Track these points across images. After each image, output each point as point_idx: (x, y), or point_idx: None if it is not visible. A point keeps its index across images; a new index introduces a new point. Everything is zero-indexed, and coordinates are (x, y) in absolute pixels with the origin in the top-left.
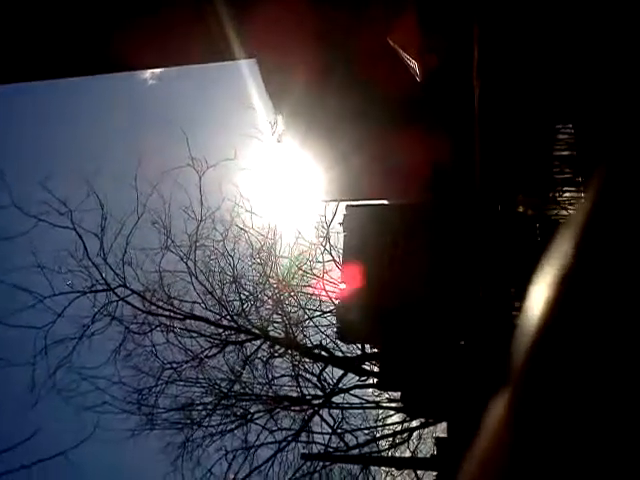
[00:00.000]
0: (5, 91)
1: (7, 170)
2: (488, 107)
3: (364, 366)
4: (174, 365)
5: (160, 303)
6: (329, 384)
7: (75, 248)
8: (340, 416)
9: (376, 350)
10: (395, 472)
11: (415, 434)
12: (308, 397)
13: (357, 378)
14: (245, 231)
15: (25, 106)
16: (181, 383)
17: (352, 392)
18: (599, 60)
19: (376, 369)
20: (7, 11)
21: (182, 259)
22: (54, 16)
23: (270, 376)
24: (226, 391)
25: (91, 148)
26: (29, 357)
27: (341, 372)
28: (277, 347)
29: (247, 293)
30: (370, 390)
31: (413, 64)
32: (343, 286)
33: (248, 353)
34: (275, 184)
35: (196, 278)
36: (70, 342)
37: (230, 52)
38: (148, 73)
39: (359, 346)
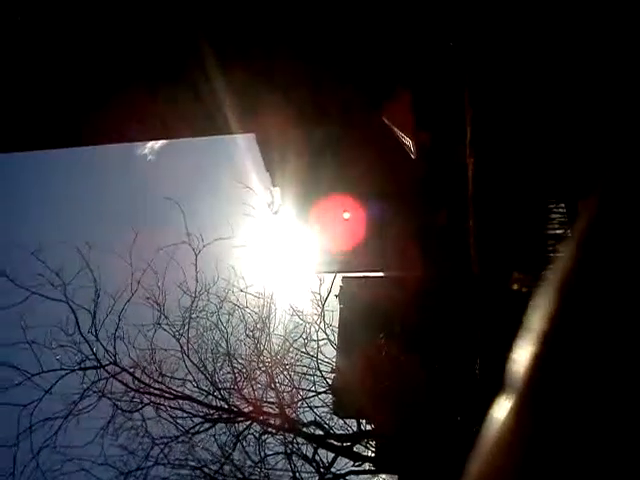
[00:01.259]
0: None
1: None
2: (482, 185)
3: (359, 450)
4: (164, 441)
5: (150, 381)
6: (323, 464)
7: (67, 322)
8: None
9: (372, 427)
10: None
11: None
12: None
13: (352, 463)
14: (239, 307)
15: (19, 176)
16: (169, 465)
17: (347, 478)
18: (591, 139)
19: (371, 454)
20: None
21: (174, 336)
22: (54, 86)
23: (262, 455)
24: (214, 473)
25: (86, 221)
26: (13, 437)
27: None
28: (269, 426)
29: (239, 369)
30: (366, 476)
31: (407, 141)
32: (339, 359)
33: (240, 429)
34: (271, 258)
35: (187, 357)
36: (56, 421)
37: (228, 126)
38: (146, 146)
39: (354, 423)
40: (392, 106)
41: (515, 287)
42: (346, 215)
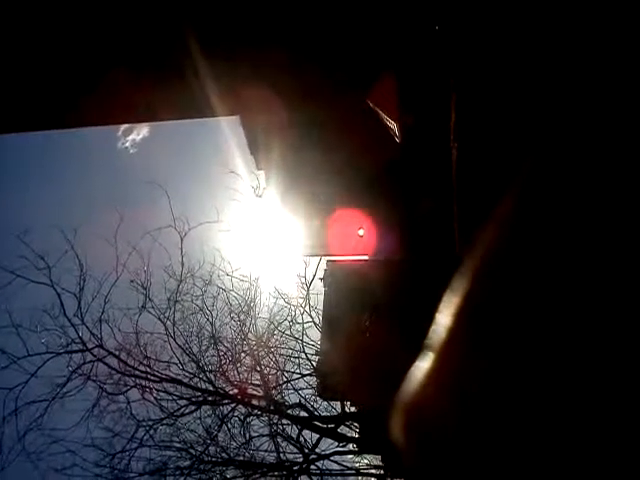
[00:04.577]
0: None
1: None
2: (466, 168)
3: (344, 432)
4: (149, 423)
5: (136, 364)
6: (308, 446)
7: (52, 306)
8: None
9: (355, 409)
10: None
11: None
12: (287, 463)
13: (337, 444)
14: (224, 290)
15: (4, 158)
16: (155, 446)
17: (331, 458)
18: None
19: (355, 435)
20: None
21: (160, 319)
22: (39, 68)
23: (247, 436)
24: (201, 454)
25: (71, 204)
26: None
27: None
28: (254, 408)
29: (225, 351)
30: (350, 456)
31: (392, 125)
32: (324, 341)
33: (225, 412)
34: (256, 241)
35: (173, 339)
36: (42, 403)
37: (212, 109)
38: (130, 129)
39: (338, 405)
40: (377, 89)
41: None
42: (361, 232)
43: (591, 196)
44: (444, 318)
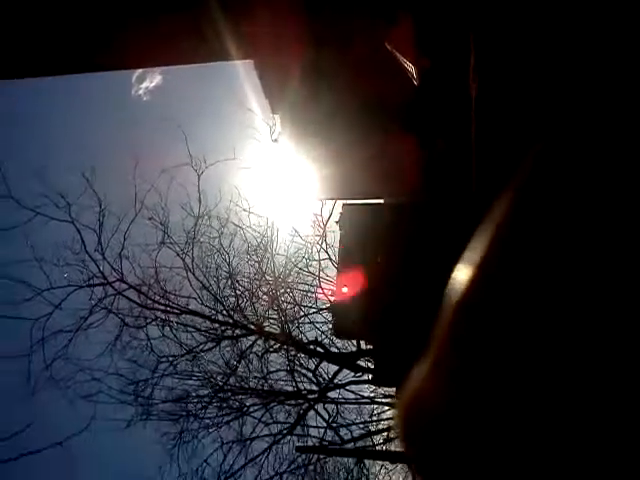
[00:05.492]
0: (5, 84)
1: (5, 162)
2: (485, 108)
3: (359, 362)
4: (170, 359)
5: (156, 297)
6: (324, 379)
7: (73, 242)
8: (335, 410)
9: (371, 347)
10: (389, 466)
11: None
12: (304, 392)
13: (352, 374)
14: (242, 228)
15: (24, 99)
16: (177, 376)
17: (347, 388)
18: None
19: (371, 366)
20: (8, 9)
21: (179, 255)
22: (54, 14)
23: (265, 370)
24: (222, 384)
25: (91, 144)
26: (26, 349)
27: (336, 368)
28: (272, 342)
29: (243, 289)
30: (365, 386)
31: (410, 67)
32: (339, 283)
33: (243, 348)
34: (272, 182)
35: (192, 274)
36: (67, 335)
37: (226, 53)
38: (143, 76)
39: (354, 342)
40: (394, 31)
41: None
42: (344, 289)
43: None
44: (461, 277)
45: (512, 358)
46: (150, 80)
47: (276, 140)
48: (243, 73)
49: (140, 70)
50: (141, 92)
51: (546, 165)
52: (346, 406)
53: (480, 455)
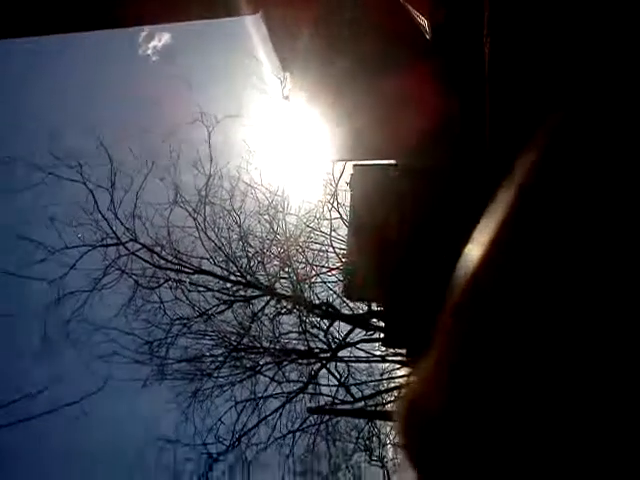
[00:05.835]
0: (13, 44)
1: (15, 122)
2: (499, 65)
3: (370, 322)
4: (183, 321)
5: (169, 257)
6: (336, 340)
7: (85, 202)
8: (347, 369)
9: (382, 308)
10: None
11: None
12: (316, 350)
13: (363, 333)
14: (252, 187)
15: (31, 59)
16: (191, 336)
17: (358, 346)
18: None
19: (382, 324)
20: None
21: (190, 215)
22: None
23: (278, 332)
24: (235, 344)
25: (98, 103)
26: (41, 310)
27: (348, 328)
28: (284, 303)
29: (254, 250)
30: (376, 345)
31: (422, 20)
32: (350, 244)
33: (256, 309)
34: (283, 141)
35: (205, 233)
36: (81, 295)
37: (234, 7)
38: (150, 36)
39: (365, 304)
40: None
41: None
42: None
43: None
44: (474, 252)
45: (515, 356)
46: (158, 39)
47: (287, 97)
48: (252, 29)
49: (147, 30)
50: (149, 52)
51: (565, 144)
52: (357, 365)
53: (481, 455)
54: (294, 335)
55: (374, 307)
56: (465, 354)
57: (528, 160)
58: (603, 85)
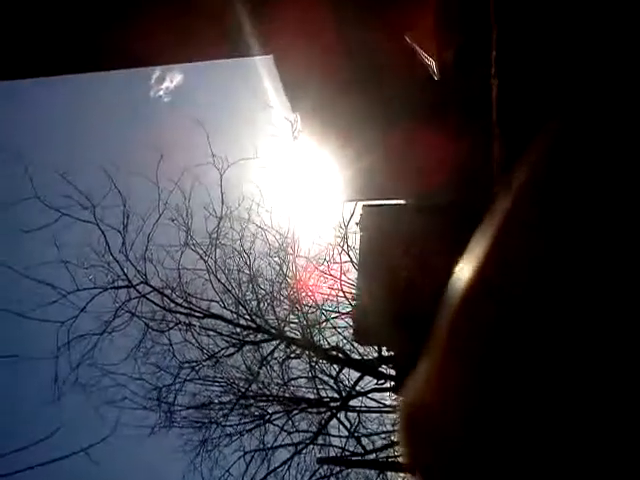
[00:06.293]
0: (29, 84)
1: (30, 162)
2: (507, 104)
3: (381, 369)
4: (192, 364)
5: (179, 300)
6: (346, 386)
7: (97, 243)
8: (357, 419)
9: (393, 353)
10: (411, 478)
11: None
12: (326, 399)
13: (374, 381)
14: (263, 229)
15: (48, 98)
16: (199, 381)
17: (369, 395)
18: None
19: (392, 373)
20: (29, 4)
21: (201, 257)
22: (72, 11)
23: (287, 377)
24: (244, 391)
25: (113, 143)
26: (52, 352)
27: (358, 374)
28: (294, 348)
29: (264, 292)
30: (388, 394)
31: (430, 61)
32: (360, 287)
33: (265, 353)
34: (293, 183)
35: (215, 276)
36: (91, 338)
37: (246, 48)
38: (162, 77)
39: (376, 349)
40: (415, 25)
41: None
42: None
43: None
44: (463, 272)
45: (516, 364)
46: (170, 80)
47: (297, 138)
48: (263, 69)
49: (159, 71)
50: (161, 92)
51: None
52: (369, 415)
53: (487, 465)
54: (303, 381)
55: (385, 352)
56: (465, 365)
57: (526, 167)
58: (601, 91)
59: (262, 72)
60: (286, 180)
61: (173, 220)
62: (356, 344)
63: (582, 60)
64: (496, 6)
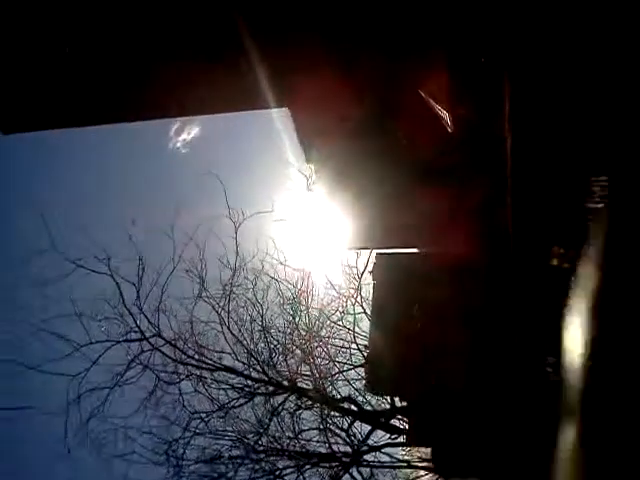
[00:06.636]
0: (47, 137)
1: (47, 215)
2: (521, 159)
3: (394, 422)
4: (202, 415)
5: (191, 352)
6: (358, 439)
7: (112, 295)
8: (370, 474)
9: (405, 404)
10: None
11: None
12: (338, 454)
13: (387, 435)
14: (276, 281)
15: (65, 153)
16: (209, 435)
17: (382, 450)
18: (633, 112)
19: (405, 426)
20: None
21: (214, 309)
22: (92, 67)
23: (298, 429)
24: (254, 444)
25: (128, 196)
26: (62, 406)
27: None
28: (305, 399)
29: (276, 343)
30: (400, 448)
31: (444, 115)
32: (372, 337)
33: (276, 404)
34: (307, 233)
35: (227, 327)
36: (102, 391)
37: (262, 101)
38: (181, 129)
39: (388, 399)
40: (429, 80)
41: (555, 263)
42: None
43: None
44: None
45: None
46: (187, 132)
47: (310, 189)
48: (279, 122)
49: (178, 123)
50: (179, 144)
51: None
52: (381, 470)
53: None
54: (314, 433)
55: (397, 402)
56: None
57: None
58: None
59: (277, 124)
60: (300, 231)
61: (187, 271)
62: (368, 394)
63: (606, 120)
64: (510, 64)
